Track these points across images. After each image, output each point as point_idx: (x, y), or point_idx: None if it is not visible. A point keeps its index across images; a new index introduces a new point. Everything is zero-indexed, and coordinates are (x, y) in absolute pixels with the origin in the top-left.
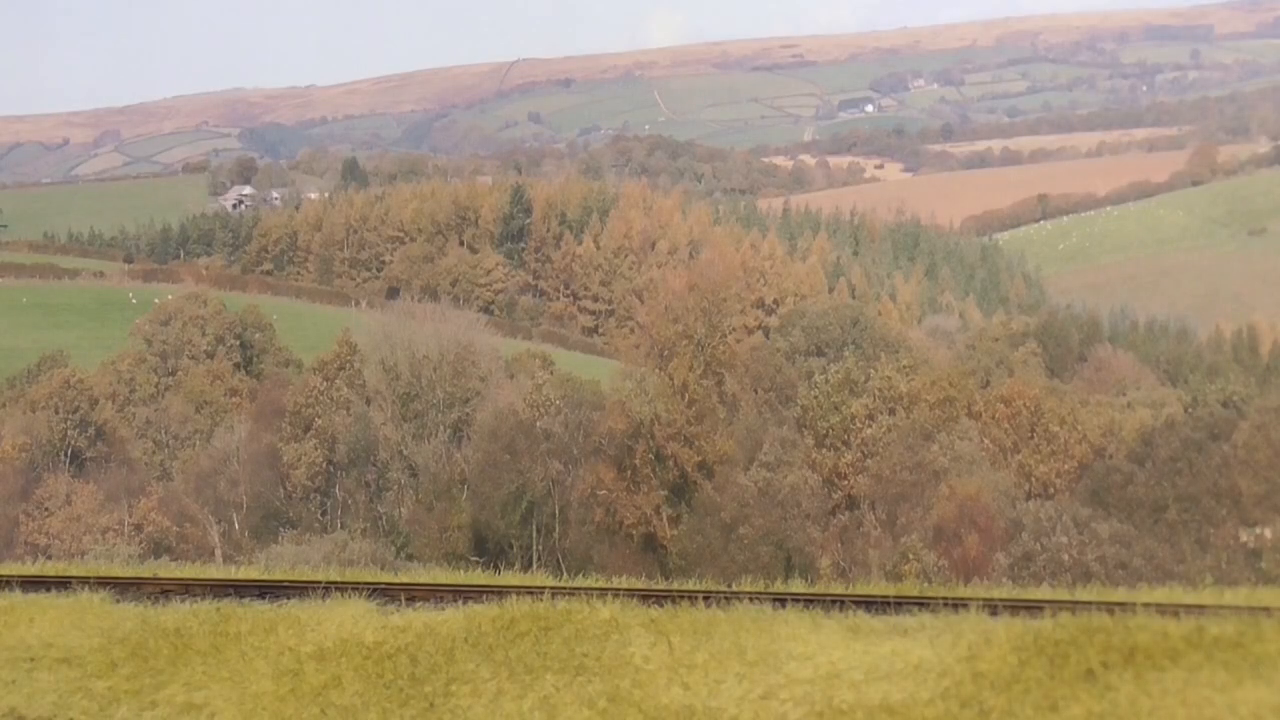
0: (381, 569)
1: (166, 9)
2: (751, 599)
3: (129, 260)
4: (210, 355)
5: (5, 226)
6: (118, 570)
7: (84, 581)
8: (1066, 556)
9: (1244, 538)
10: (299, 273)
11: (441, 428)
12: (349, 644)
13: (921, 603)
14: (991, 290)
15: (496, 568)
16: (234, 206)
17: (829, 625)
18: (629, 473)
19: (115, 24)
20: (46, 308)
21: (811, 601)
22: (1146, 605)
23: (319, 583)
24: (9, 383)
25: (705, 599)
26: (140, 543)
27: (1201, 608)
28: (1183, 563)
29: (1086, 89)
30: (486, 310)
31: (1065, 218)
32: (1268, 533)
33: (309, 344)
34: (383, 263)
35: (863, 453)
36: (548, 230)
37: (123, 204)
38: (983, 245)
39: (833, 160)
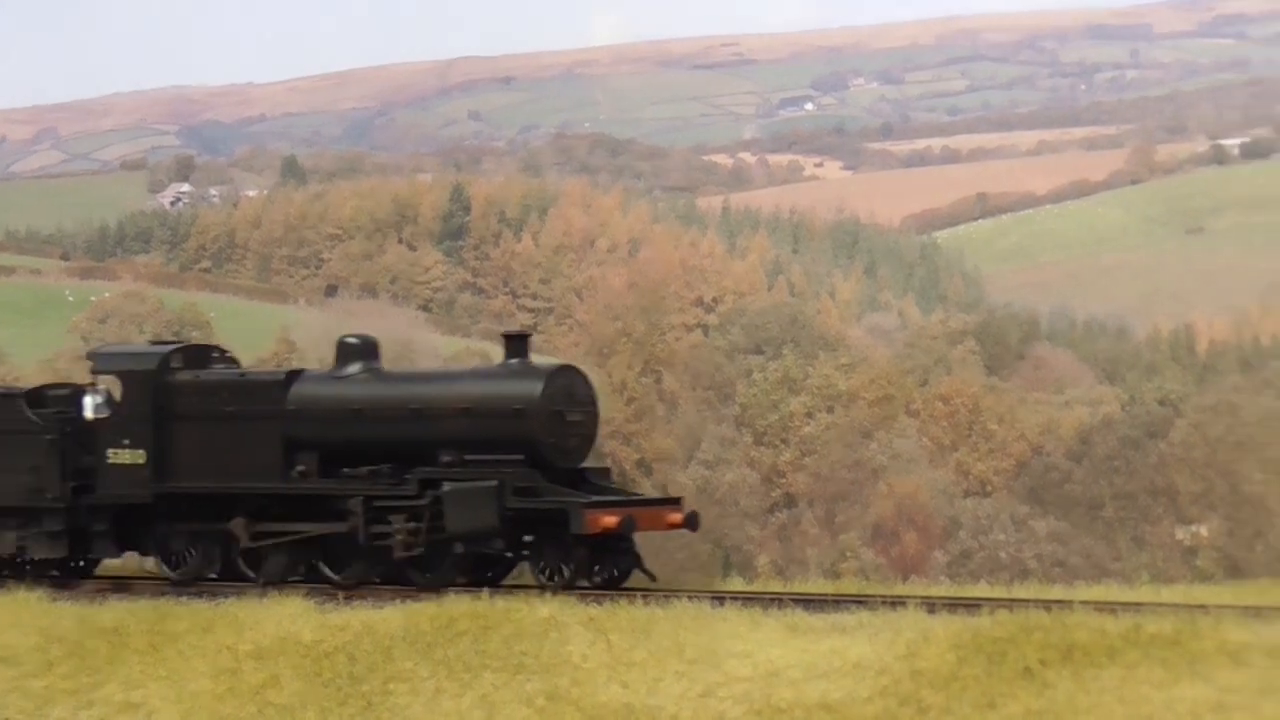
0: None
1: (105, 5)
2: (690, 597)
3: (66, 258)
4: None
5: None
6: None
7: (20, 579)
8: (1004, 554)
9: (1180, 535)
10: (237, 270)
11: None
12: (287, 642)
13: (860, 601)
14: (931, 288)
15: None
16: (172, 204)
17: (768, 623)
18: None
19: (53, 20)
20: None
21: (750, 599)
22: (1084, 603)
23: (257, 581)
24: None
25: (644, 597)
26: None
27: (1139, 605)
28: (1119, 560)
29: (1026, 88)
30: (425, 308)
31: (1004, 216)
32: (1204, 530)
33: (247, 342)
34: (321, 260)
35: (801, 451)
36: (487, 228)
37: (61, 201)
38: (922, 243)
39: (772, 158)
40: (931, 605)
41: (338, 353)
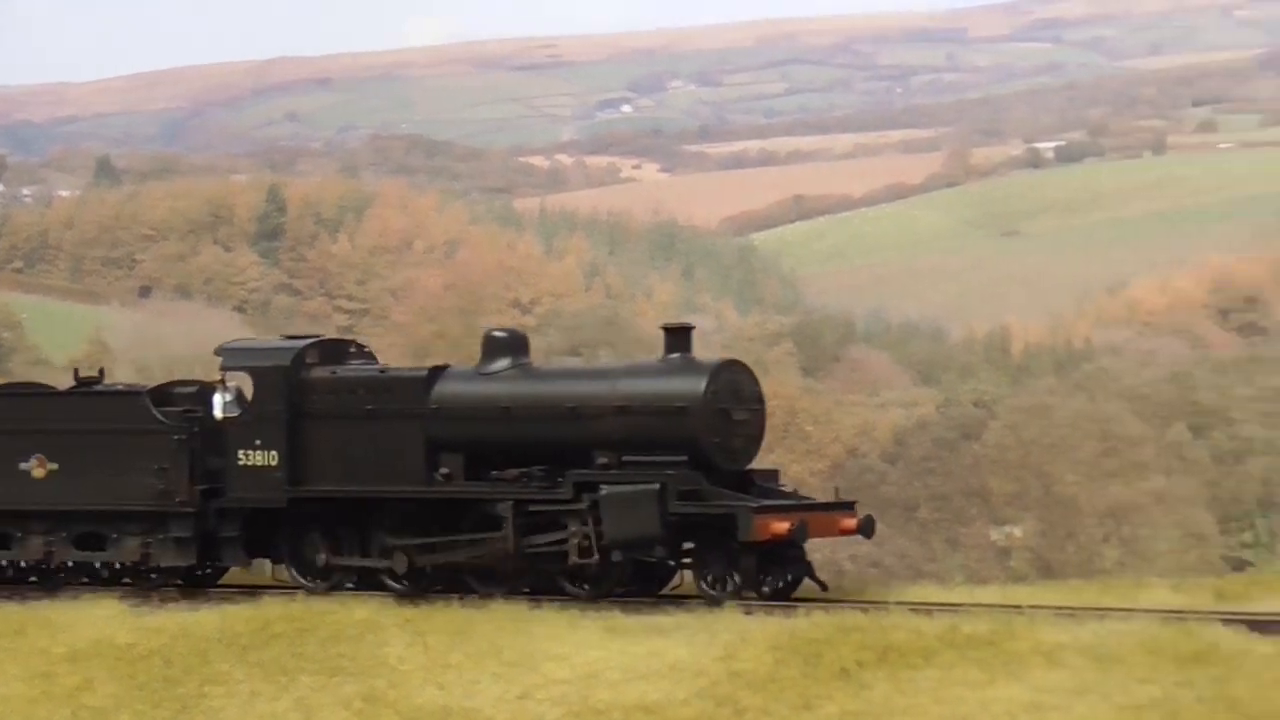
0: None
1: None
2: (507, 599)
3: None
4: None
5: None
6: None
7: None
8: (819, 555)
9: (994, 536)
10: (50, 271)
11: None
12: (101, 645)
13: (678, 602)
14: (748, 290)
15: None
16: None
17: (586, 625)
18: None
19: None
20: None
21: (568, 601)
22: (900, 604)
23: (70, 583)
24: None
25: (461, 599)
26: None
27: (954, 606)
28: (935, 561)
29: (843, 90)
30: (240, 309)
31: (821, 218)
32: (1017, 531)
33: (60, 343)
34: (135, 261)
35: None
36: (303, 229)
37: None
38: (739, 245)
39: (590, 160)
40: (749, 607)
41: (484, 347)
